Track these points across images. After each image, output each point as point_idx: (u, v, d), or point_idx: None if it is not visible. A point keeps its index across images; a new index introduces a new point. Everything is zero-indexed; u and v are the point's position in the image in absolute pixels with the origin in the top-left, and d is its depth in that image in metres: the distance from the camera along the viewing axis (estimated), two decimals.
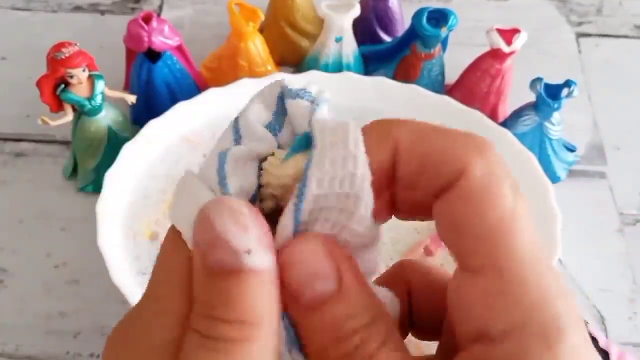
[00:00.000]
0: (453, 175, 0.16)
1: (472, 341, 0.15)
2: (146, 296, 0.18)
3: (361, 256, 0.18)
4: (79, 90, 0.49)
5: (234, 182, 0.18)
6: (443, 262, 0.49)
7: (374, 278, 0.19)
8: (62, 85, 0.49)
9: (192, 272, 0.16)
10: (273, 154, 0.19)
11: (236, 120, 0.20)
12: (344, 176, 0.17)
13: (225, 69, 0.57)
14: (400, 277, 0.20)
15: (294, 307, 0.16)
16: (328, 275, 0.16)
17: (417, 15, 0.55)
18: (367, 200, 0.17)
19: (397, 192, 0.17)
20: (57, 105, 0.50)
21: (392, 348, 0.16)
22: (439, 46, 0.56)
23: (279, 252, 0.17)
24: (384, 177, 0.17)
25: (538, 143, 0.54)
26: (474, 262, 0.16)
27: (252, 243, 0.15)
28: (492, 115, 0.57)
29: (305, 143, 0.18)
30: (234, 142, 0.19)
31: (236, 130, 0.20)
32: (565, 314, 0.15)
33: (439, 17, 0.54)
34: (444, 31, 0.54)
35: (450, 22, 0.54)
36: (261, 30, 0.59)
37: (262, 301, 0.16)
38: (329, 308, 0.16)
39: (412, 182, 0.17)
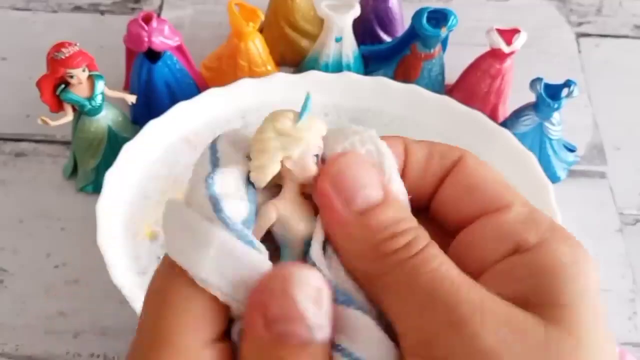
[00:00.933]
0: (455, 158, 0.20)
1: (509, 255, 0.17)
2: (154, 338, 0.17)
3: None
4: (79, 90, 0.49)
5: (230, 209, 0.18)
6: None
7: None
8: (62, 85, 0.49)
9: (246, 334, 0.17)
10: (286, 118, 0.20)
11: (213, 143, 0.20)
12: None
13: (225, 69, 0.57)
14: None
15: (340, 216, 0.18)
16: (375, 185, 0.18)
17: (417, 15, 0.55)
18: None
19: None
20: (57, 105, 0.50)
21: (436, 247, 0.17)
22: (439, 46, 0.56)
23: (327, 163, 0.19)
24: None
25: (538, 143, 0.54)
26: (487, 205, 0.19)
27: (324, 320, 0.16)
28: (492, 115, 0.57)
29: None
30: (211, 166, 0.20)
31: (213, 153, 0.20)
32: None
33: (439, 17, 0.54)
34: (443, 31, 0.54)
35: (450, 22, 0.54)
36: (261, 30, 0.59)
37: None
38: (380, 210, 0.18)
39: (419, 172, 0.20)
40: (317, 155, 0.20)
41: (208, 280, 0.17)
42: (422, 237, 0.17)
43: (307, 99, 0.20)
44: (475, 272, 0.18)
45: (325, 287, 0.17)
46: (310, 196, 0.20)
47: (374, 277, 0.17)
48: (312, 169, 0.20)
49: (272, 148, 0.19)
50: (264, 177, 0.19)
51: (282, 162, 0.20)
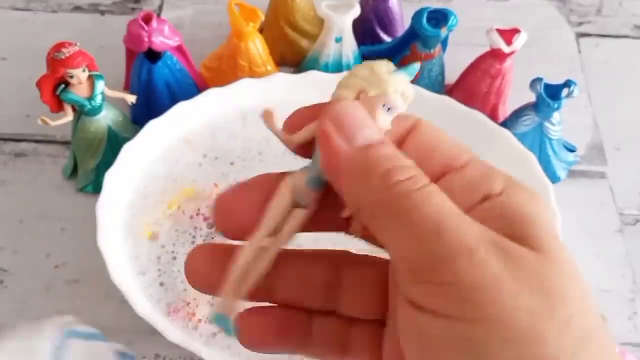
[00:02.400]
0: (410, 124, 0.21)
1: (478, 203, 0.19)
2: None
3: None
4: (79, 91, 0.49)
5: None
6: None
7: None
8: (62, 86, 0.49)
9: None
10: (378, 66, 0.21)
11: None
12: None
13: (225, 69, 0.57)
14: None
15: (341, 152, 0.19)
16: (374, 128, 0.19)
17: (417, 15, 0.55)
18: None
19: None
20: (57, 105, 0.50)
21: (436, 186, 0.18)
22: (439, 46, 0.56)
23: (327, 106, 0.20)
24: None
25: (538, 143, 0.54)
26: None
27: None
28: (492, 115, 0.57)
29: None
30: None
31: None
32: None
33: (439, 18, 0.54)
34: (443, 31, 0.54)
35: (450, 23, 0.54)
36: (261, 30, 0.59)
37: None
38: (381, 146, 0.19)
39: None
40: (389, 109, 0.20)
41: None
42: (423, 174, 0.18)
43: (412, 64, 0.21)
44: None
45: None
46: None
47: (376, 210, 0.18)
48: (376, 114, 0.20)
49: (360, 84, 0.21)
50: (345, 95, 0.21)
51: (358, 94, 0.21)
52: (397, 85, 0.21)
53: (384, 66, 0.21)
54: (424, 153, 0.20)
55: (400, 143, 0.20)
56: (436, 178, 0.19)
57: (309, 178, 0.22)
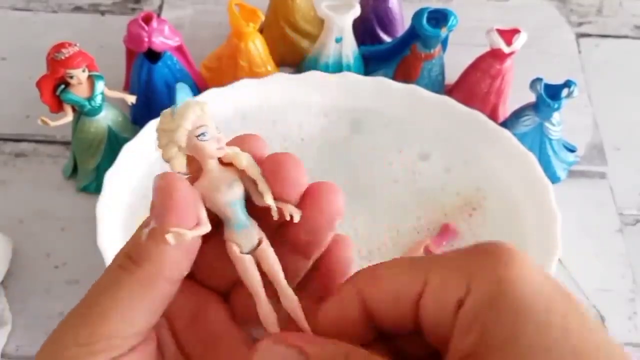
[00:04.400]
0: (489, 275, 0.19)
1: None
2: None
3: None
4: (78, 91, 0.49)
5: None
6: None
7: None
8: (62, 86, 0.49)
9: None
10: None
11: None
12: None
13: (225, 69, 0.57)
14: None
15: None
16: None
17: (417, 15, 0.55)
18: None
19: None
20: (57, 105, 0.50)
21: None
22: (439, 46, 0.56)
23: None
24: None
25: (538, 143, 0.54)
26: None
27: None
28: (493, 115, 0.57)
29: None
30: None
31: None
32: None
33: (439, 18, 0.54)
34: (443, 31, 0.54)
35: (450, 23, 0.54)
36: (261, 31, 0.59)
37: None
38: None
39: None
40: (204, 134, 0.23)
41: None
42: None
43: (176, 89, 0.24)
44: None
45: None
46: (230, 164, 0.23)
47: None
48: (206, 146, 0.23)
49: (163, 145, 0.23)
50: (177, 169, 0.23)
51: (180, 151, 0.23)
52: (185, 116, 0.23)
53: (164, 117, 0.23)
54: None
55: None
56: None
57: (238, 219, 0.23)
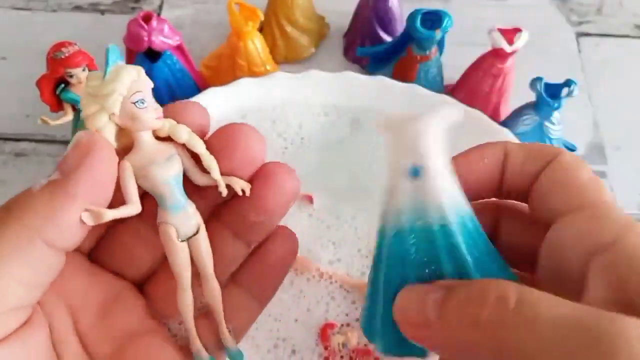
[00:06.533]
0: (550, 157, 0.22)
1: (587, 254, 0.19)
2: None
3: None
4: (78, 90, 0.49)
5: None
6: None
7: None
8: (62, 85, 0.49)
9: None
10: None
11: None
12: None
13: (225, 69, 0.57)
14: (490, 210, 0.24)
15: (426, 331, 0.19)
16: (430, 288, 0.20)
17: (411, 17, 0.54)
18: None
19: (506, 180, 0.23)
20: (57, 105, 0.50)
21: (525, 289, 0.18)
22: (434, 48, 0.56)
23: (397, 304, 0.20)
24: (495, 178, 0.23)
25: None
26: (575, 202, 0.20)
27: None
28: (494, 115, 0.57)
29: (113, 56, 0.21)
30: None
31: None
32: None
33: (435, 19, 0.54)
34: (438, 33, 0.54)
35: (444, 24, 0.53)
36: (260, 30, 0.59)
37: None
38: (451, 296, 0.19)
39: (518, 169, 0.23)
40: (142, 100, 0.20)
41: None
42: (495, 286, 0.18)
43: (107, 51, 0.20)
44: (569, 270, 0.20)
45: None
46: (168, 138, 0.20)
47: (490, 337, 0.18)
48: (143, 114, 0.20)
49: (92, 113, 0.20)
50: (106, 122, 0.20)
51: (111, 120, 0.20)
52: (119, 79, 0.20)
53: (94, 81, 0.20)
54: (554, 186, 0.21)
55: (537, 174, 0.22)
56: (563, 213, 0.20)
57: (176, 199, 0.21)
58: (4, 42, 0.65)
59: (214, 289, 0.23)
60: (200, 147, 0.21)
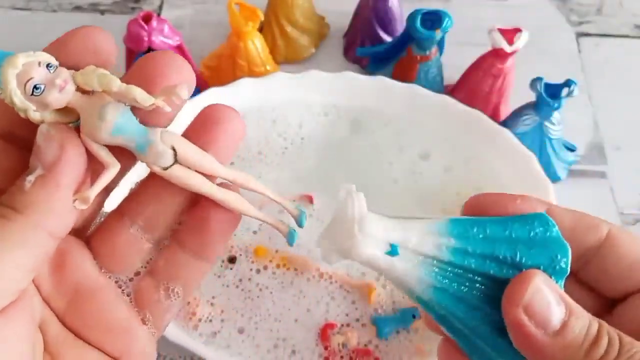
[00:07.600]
0: (602, 231, 0.24)
1: None
2: None
3: None
4: None
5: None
6: None
7: None
8: None
9: None
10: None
11: None
12: None
13: (225, 68, 0.57)
14: None
15: (537, 342, 0.20)
16: (557, 298, 0.21)
17: (411, 17, 0.54)
18: None
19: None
20: None
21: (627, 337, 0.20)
22: (434, 48, 0.56)
23: (513, 286, 0.21)
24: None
25: (538, 143, 0.53)
26: None
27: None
28: (494, 115, 0.57)
29: None
30: None
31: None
32: None
33: (435, 19, 0.54)
34: (438, 34, 0.54)
35: (444, 24, 0.53)
36: (260, 30, 0.59)
37: None
38: (572, 323, 0.20)
39: (566, 236, 0.23)
40: (37, 86, 0.20)
41: None
42: (608, 330, 0.19)
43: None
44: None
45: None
46: (89, 91, 0.21)
47: None
48: (46, 98, 0.20)
49: (26, 117, 0.20)
50: (41, 115, 0.20)
51: (37, 110, 0.20)
52: (6, 77, 0.20)
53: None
54: (624, 266, 0.22)
55: (593, 248, 0.22)
56: (631, 292, 0.21)
57: (136, 142, 0.22)
58: (4, 42, 0.65)
59: (239, 177, 0.23)
60: (131, 94, 0.20)
